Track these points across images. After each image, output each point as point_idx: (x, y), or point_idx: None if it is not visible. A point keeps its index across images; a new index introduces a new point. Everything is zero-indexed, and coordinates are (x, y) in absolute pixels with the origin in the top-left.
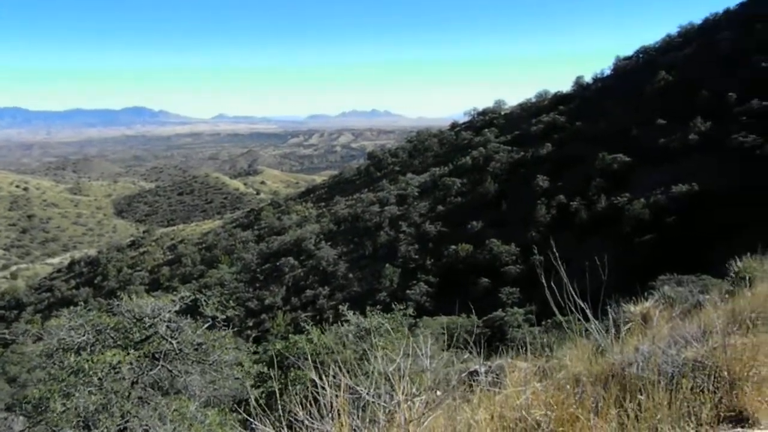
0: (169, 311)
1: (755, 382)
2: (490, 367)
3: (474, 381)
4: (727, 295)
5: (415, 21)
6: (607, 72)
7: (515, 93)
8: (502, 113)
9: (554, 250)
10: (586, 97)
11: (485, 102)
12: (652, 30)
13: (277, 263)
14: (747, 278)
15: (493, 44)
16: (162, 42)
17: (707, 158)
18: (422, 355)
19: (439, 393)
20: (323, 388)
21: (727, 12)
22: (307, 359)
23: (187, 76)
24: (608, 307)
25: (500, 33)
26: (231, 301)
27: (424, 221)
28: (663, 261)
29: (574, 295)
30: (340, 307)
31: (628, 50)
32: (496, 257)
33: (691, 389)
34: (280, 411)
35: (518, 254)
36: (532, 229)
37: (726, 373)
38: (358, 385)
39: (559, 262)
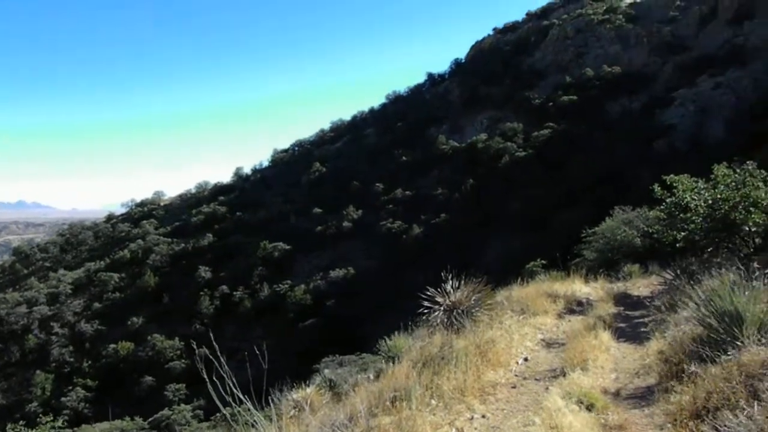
0: None
1: None
2: None
3: None
4: (376, 374)
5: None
6: (266, 164)
7: (175, 184)
8: (162, 204)
9: (214, 342)
10: (246, 188)
11: (144, 192)
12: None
13: None
14: (394, 356)
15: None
16: None
17: (360, 243)
18: None
19: None
20: None
21: (372, 111)
22: None
23: None
24: (271, 396)
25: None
26: None
27: (79, 320)
28: (327, 343)
29: (234, 388)
30: None
31: None
32: (160, 353)
33: None
34: None
35: (183, 348)
36: (196, 321)
37: None
38: None
39: (221, 355)
